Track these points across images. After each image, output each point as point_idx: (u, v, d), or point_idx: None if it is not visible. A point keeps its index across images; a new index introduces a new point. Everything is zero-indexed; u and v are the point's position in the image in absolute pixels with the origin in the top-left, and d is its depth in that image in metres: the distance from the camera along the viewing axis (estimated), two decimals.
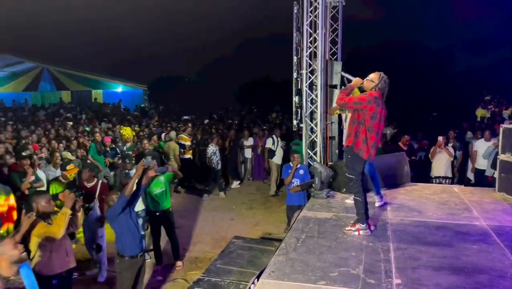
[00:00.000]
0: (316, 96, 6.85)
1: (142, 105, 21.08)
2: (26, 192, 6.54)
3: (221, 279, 4.34)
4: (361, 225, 4.39)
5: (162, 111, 19.09)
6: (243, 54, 26.95)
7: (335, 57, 8.06)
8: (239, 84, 27.46)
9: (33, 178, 6.65)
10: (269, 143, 10.60)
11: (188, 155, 10.60)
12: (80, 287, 5.58)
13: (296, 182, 6.56)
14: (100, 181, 6.22)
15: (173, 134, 10.35)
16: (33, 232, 3.96)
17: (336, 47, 8.13)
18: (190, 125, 12.46)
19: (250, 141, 11.52)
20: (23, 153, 7.71)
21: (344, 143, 4.90)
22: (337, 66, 7.29)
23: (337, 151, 7.45)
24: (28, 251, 4.17)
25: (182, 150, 10.26)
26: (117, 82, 22.95)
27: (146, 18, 27.16)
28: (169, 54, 27.91)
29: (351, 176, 4.45)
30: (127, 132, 11.44)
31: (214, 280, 4.31)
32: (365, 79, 4.43)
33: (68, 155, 8.34)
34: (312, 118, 7.06)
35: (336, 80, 7.19)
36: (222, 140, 11.19)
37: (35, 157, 7.51)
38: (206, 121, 15.23)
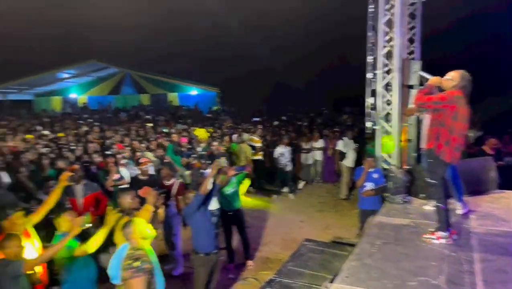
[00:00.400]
0: (392, 96, 6.59)
1: (215, 108, 21.74)
2: (110, 189, 7.05)
3: (293, 281, 4.34)
4: (442, 233, 4.15)
5: (234, 113, 19.53)
6: (316, 54, 26.77)
7: (412, 56, 7.69)
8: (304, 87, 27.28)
9: (117, 176, 7.15)
10: (340, 145, 10.40)
11: (259, 157, 10.74)
12: None
13: (370, 185, 6.37)
14: (177, 181, 6.50)
15: (245, 136, 10.55)
16: (118, 227, 4.26)
17: (413, 45, 7.76)
18: (260, 127, 12.64)
19: (320, 143, 11.39)
20: (108, 152, 8.33)
21: (422, 146, 4.70)
22: (415, 65, 6.93)
23: (414, 154, 7.10)
24: (113, 244, 4.50)
25: (252, 151, 10.42)
26: (192, 85, 23.92)
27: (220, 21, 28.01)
28: (243, 56, 28.51)
29: (432, 180, 4.25)
30: (201, 133, 11.87)
31: (286, 282, 4.32)
32: (444, 78, 4.21)
33: (149, 155, 8.85)
34: (387, 120, 6.80)
35: (414, 80, 6.85)
36: (291, 142, 11.17)
37: (119, 156, 8.06)
38: (276, 122, 15.31)
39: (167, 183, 6.36)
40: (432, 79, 4.34)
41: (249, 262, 6.42)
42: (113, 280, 3.50)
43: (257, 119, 15.62)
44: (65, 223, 4.10)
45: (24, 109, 22.93)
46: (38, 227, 4.49)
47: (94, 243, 4.08)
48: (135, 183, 6.66)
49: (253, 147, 10.56)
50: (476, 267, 3.64)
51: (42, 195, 6.02)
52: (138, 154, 8.31)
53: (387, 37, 6.68)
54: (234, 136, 11.36)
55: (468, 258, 3.84)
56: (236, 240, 6.65)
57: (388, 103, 6.73)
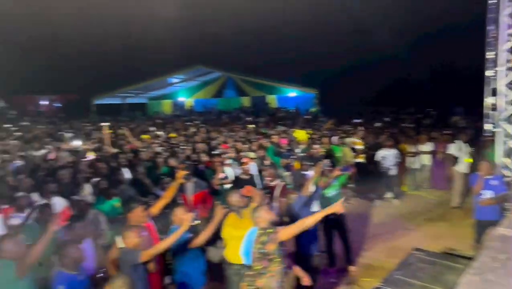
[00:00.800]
0: None
1: (313, 109, 21.66)
2: (216, 187, 7.43)
3: None
4: None
5: (333, 115, 19.22)
6: (417, 51, 25.20)
7: None
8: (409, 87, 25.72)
9: (223, 175, 7.50)
10: (452, 149, 9.60)
11: (360, 159, 10.42)
12: None
13: (489, 194, 5.79)
14: (280, 182, 6.58)
15: (348, 140, 10.30)
16: (226, 222, 4.47)
17: None
18: (361, 129, 12.27)
19: (428, 146, 10.64)
20: (215, 152, 8.79)
21: None
22: None
23: None
24: (220, 238, 4.74)
25: (354, 154, 10.15)
26: (290, 87, 24.15)
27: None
28: (336, 57, 28.01)
29: None
30: (300, 135, 11.91)
31: None
32: None
33: (251, 155, 9.13)
34: (510, 122, 6.13)
35: None
36: (396, 144, 10.62)
37: (224, 156, 8.46)
38: (378, 124, 14.72)
39: (271, 184, 6.48)
40: None
41: (352, 268, 6.25)
42: (244, 260, 3.88)
43: (358, 120, 15.17)
44: (178, 217, 4.43)
45: (139, 112, 25.39)
46: (155, 220, 4.93)
47: (203, 237, 4.34)
48: (238, 182, 6.94)
49: (354, 150, 10.27)
50: None
51: (158, 191, 6.58)
52: (242, 154, 8.61)
53: (511, 30, 6.02)
54: (334, 138, 11.19)
55: None
56: (337, 244, 6.54)
57: None
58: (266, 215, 3.83)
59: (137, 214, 4.28)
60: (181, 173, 5.11)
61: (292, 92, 24.32)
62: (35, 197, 5.91)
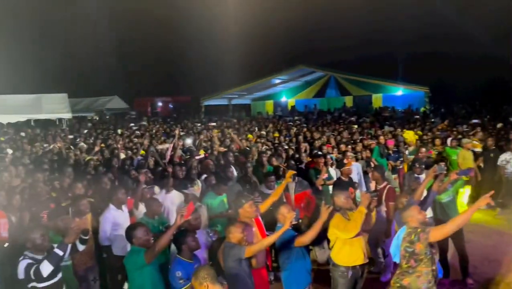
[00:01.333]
0: None
1: (423, 108, 20.28)
2: (320, 188, 7.40)
3: None
4: None
5: (446, 114, 17.77)
6: None
7: None
8: None
9: (326, 175, 7.45)
10: None
11: (479, 163, 9.48)
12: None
13: None
14: (388, 185, 6.31)
15: (465, 140, 9.44)
16: (331, 223, 4.44)
17: None
18: (479, 130, 11.17)
19: None
20: (318, 153, 8.75)
21: None
22: None
23: None
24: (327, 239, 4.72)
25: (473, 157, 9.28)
26: (397, 85, 22.86)
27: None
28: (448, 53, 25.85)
29: None
30: (409, 135, 11.27)
31: None
32: None
33: (350, 155, 8.85)
34: None
35: None
36: None
37: (328, 156, 8.38)
38: (500, 125, 13.24)
39: (378, 186, 6.26)
40: None
41: (469, 280, 5.75)
42: (393, 258, 3.99)
43: (476, 120, 13.82)
44: (283, 215, 4.52)
45: (244, 112, 26.41)
46: (262, 217, 5.09)
47: (309, 236, 4.36)
48: (338, 184, 6.82)
49: (473, 153, 9.39)
50: None
51: (263, 188, 6.78)
52: (347, 155, 8.38)
53: None
54: (449, 140, 10.37)
55: None
56: (452, 255, 6.06)
57: None
58: (417, 215, 3.86)
59: (246, 209, 4.46)
60: (290, 173, 5.23)
61: (399, 91, 23.01)
62: (156, 190, 6.51)
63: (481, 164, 9.53)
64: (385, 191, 6.11)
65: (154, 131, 16.30)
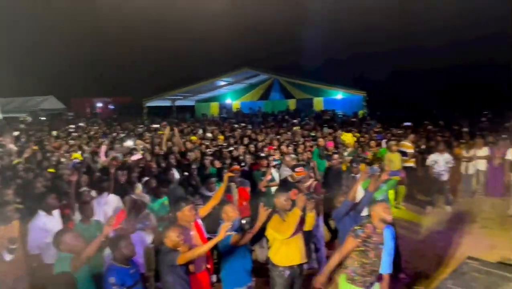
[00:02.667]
0: None
1: (361, 112, 21.22)
2: (263, 189, 7.47)
3: None
4: None
5: (382, 117, 18.73)
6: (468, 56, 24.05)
7: None
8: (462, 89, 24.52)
9: (269, 177, 7.54)
10: (510, 154, 9.07)
11: (411, 163, 10.08)
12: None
13: None
14: (315, 182, 6.55)
15: (391, 143, 9.90)
16: (269, 224, 4.51)
17: None
18: (412, 132, 11.87)
19: (484, 151, 10.13)
20: (261, 154, 8.85)
21: None
22: None
23: None
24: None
25: (404, 158, 9.84)
26: (337, 89, 23.77)
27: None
28: (385, 58, 27.29)
29: None
30: (347, 137, 11.72)
31: None
32: None
33: (293, 157, 9.08)
34: None
35: None
36: (450, 149, 10.18)
37: (270, 158, 8.49)
38: (429, 127, 14.18)
39: (305, 184, 6.46)
40: None
41: (401, 275, 6.08)
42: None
43: (408, 123, 14.68)
44: (228, 214, 4.55)
45: (188, 114, 26.07)
46: (203, 219, 5.06)
47: (246, 237, 4.39)
48: (284, 185, 6.94)
49: (405, 153, 9.96)
50: None
51: (205, 191, 6.74)
52: (287, 158, 8.53)
53: None
54: (383, 142, 10.92)
55: None
56: None
57: None
58: (381, 212, 3.94)
59: (185, 213, 4.40)
60: (227, 174, 5.23)
61: (339, 95, 23.95)
62: (93, 194, 6.24)
63: (414, 164, 10.16)
64: (312, 187, 6.36)
65: (92, 132, 15.61)
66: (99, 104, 33.05)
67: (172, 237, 3.94)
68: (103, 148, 9.50)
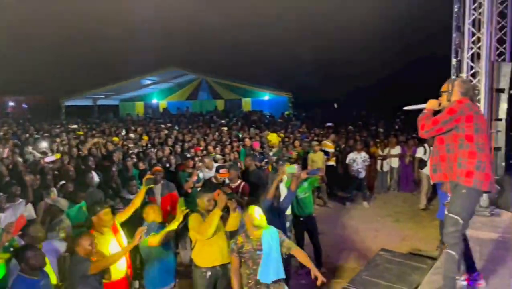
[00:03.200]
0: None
1: (287, 112, 21.84)
2: (189, 191, 7.37)
3: None
4: None
5: (306, 118, 19.46)
6: (387, 61, 25.81)
7: (502, 57, 7.12)
8: (382, 91, 26.26)
9: (196, 178, 7.45)
10: (419, 153, 9.87)
11: (332, 162, 10.58)
12: None
13: None
14: (242, 183, 6.61)
15: (313, 143, 10.31)
16: (190, 225, 4.46)
17: (503, 46, 7.18)
18: (333, 132, 12.46)
19: (397, 150, 10.94)
20: (187, 155, 8.72)
21: (437, 179, 3.55)
22: (506, 68, 6.43)
23: (503, 164, 6.56)
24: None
25: (326, 157, 10.28)
26: (264, 90, 24.28)
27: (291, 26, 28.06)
28: (311, 62, 28.32)
29: (456, 217, 3.23)
30: (273, 138, 11.98)
31: None
32: (440, 98, 3.44)
33: (218, 157, 9.07)
34: None
35: (504, 84, 6.35)
36: (367, 148, 10.84)
37: (196, 159, 8.40)
38: (350, 127, 14.98)
39: (233, 185, 6.50)
40: (429, 103, 3.45)
41: (322, 269, 6.32)
42: None
43: (330, 124, 15.40)
44: (150, 215, 4.43)
45: (111, 114, 24.90)
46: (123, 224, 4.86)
47: (158, 238, 4.30)
48: (208, 185, 6.90)
49: (326, 152, 10.42)
50: None
51: (126, 194, 6.49)
52: (210, 157, 8.48)
53: (474, 38, 6.26)
54: (306, 141, 11.31)
55: None
56: (308, 247, 6.60)
57: None
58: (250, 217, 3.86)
59: (101, 217, 4.17)
60: (146, 177, 5.09)
61: (266, 96, 24.48)
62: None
63: (334, 163, 10.67)
64: (240, 189, 6.40)
65: (1, 133, 14.29)
66: (11, 103, 30.43)
67: (84, 245, 3.71)
68: (6, 150, 8.76)
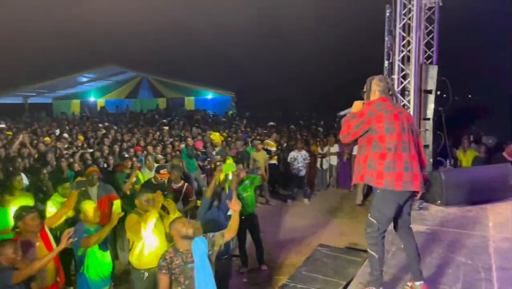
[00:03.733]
0: (409, 102, 6.52)
1: (230, 112, 21.87)
2: (128, 192, 7.12)
3: (306, 286, 4.32)
4: None
5: (249, 117, 19.59)
6: (327, 62, 26.60)
7: (430, 61, 7.62)
8: (323, 91, 27.08)
9: (134, 179, 7.21)
10: (356, 151, 10.30)
11: (273, 161, 10.73)
12: None
13: None
14: (186, 184, 6.53)
15: (255, 142, 10.37)
16: (126, 225, 4.36)
17: (431, 50, 7.68)
18: (274, 131, 12.66)
19: (335, 148, 11.34)
20: (126, 155, 8.43)
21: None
22: (432, 71, 6.89)
23: (431, 160, 7.02)
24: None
25: (268, 155, 10.41)
26: (207, 89, 24.11)
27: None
28: (255, 61, 28.49)
29: (372, 219, 3.34)
30: (216, 137, 11.93)
31: (300, 287, 4.31)
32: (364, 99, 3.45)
33: (160, 158, 8.88)
34: None
35: (431, 85, 6.80)
36: (307, 147, 11.13)
37: (135, 159, 8.14)
38: (291, 127, 15.30)
39: (176, 186, 6.40)
40: (354, 105, 3.43)
41: (263, 267, 6.40)
42: None
43: (272, 123, 15.63)
44: (83, 214, 4.27)
45: (44, 112, 23.46)
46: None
47: (93, 239, 4.12)
48: (147, 186, 6.72)
49: (268, 151, 10.56)
50: (494, 275, 3.57)
51: (59, 197, 6.14)
52: (149, 157, 8.28)
53: (404, 42, 6.63)
54: (248, 140, 11.40)
55: (485, 266, 3.78)
56: (250, 245, 6.64)
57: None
58: (181, 228, 3.48)
59: (28, 223, 3.88)
60: (77, 180, 4.85)
61: (210, 95, 24.34)
62: None
63: (276, 162, 10.83)
64: (184, 190, 6.32)
65: None
66: None
67: (6, 253, 3.44)
68: None
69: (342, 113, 3.66)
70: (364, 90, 3.39)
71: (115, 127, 15.20)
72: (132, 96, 25.31)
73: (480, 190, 5.92)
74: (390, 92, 3.28)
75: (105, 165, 8.20)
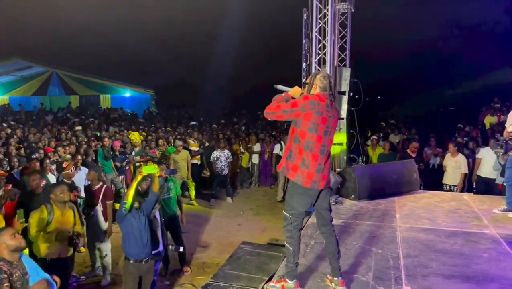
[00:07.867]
0: None
1: (151, 109, 21.21)
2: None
3: (230, 285, 4.36)
4: (289, 282, 3.41)
5: (170, 116, 19.18)
6: (249, 61, 26.98)
7: (343, 63, 8.08)
8: (244, 90, 27.44)
9: (44, 182, 6.68)
10: (277, 149, 10.60)
11: (196, 160, 10.63)
12: None
13: None
14: (104, 185, 6.25)
15: (177, 142, 10.17)
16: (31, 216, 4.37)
17: (344, 53, 8.15)
18: (196, 130, 12.55)
19: (257, 147, 11.55)
20: (33, 157, 7.76)
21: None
22: (346, 73, 7.31)
23: (345, 157, 7.46)
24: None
25: (190, 155, 10.28)
26: (125, 87, 23.08)
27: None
28: (175, 60, 27.97)
29: (286, 213, 3.43)
30: (135, 136, 11.50)
31: (223, 285, 4.33)
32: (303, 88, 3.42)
33: (67, 157, 8.30)
34: None
35: (345, 87, 7.21)
36: (229, 146, 11.19)
37: (46, 161, 7.52)
38: (214, 126, 15.28)
39: (94, 187, 6.10)
40: (293, 89, 3.42)
41: (185, 268, 6.31)
42: None
43: (194, 122, 15.47)
44: None
45: None
46: None
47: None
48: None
49: (190, 151, 10.42)
50: (401, 263, 3.90)
51: None
52: (47, 161, 7.73)
53: (320, 45, 6.96)
54: (171, 140, 11.17)
55: (394, 254, 4.11)
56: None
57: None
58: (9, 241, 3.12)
59: None
60: None
61: (128, 92, 23.33)
62: None
63: (198, 161, 10.74)
64: (102, 191, 6.03)
65: None
66: None
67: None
68: None
69: (279, 87, 3.55)
70: (307, 81, 3.36)
71: (21, 127, 13.92)
72: (40, 93, 23.33)
73: (389, 185, 6.43)
74: (330, 92, 3.28)
75: (9, 168, 7.50)
